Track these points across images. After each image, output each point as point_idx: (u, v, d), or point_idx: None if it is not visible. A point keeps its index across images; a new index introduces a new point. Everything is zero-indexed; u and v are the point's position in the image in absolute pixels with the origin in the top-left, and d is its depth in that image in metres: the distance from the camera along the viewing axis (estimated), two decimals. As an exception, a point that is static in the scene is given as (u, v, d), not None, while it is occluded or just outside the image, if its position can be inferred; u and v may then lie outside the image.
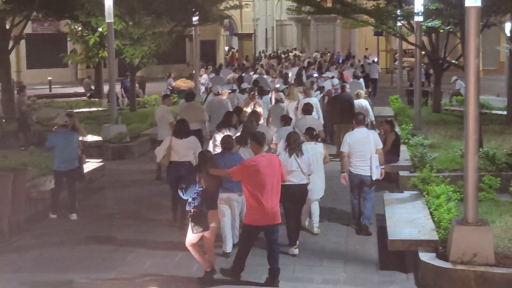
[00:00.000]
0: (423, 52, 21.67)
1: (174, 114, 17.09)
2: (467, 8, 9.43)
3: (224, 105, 17.90)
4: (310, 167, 11.26)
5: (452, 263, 9.37)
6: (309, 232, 12.09)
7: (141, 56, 25.06)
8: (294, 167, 11.05)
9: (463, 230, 9.45)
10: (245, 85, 21.31)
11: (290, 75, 27.60)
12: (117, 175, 17.37)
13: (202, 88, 29.10)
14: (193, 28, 31.11)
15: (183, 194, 9.67)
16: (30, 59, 44.97)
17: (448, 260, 9.44)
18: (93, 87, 34.53)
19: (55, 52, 35.60)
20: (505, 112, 23.32)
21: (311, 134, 12.17)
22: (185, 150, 12.34)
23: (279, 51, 58.29)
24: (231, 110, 15.91)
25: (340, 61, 42.50)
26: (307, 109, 15.52)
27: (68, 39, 29.70)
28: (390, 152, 15.07)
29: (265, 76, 27.24)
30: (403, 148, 16.43)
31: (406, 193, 13.29)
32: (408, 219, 11.31)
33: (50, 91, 38.55)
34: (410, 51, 43.96)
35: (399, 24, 25.30)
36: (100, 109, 28.31)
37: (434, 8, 18.07)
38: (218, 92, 18.74)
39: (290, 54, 52.90)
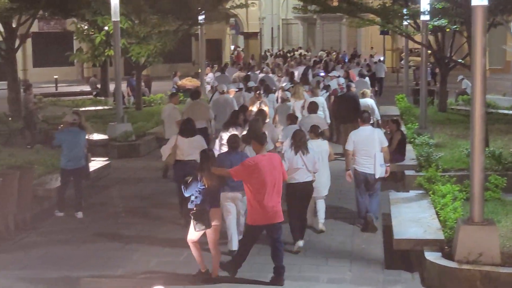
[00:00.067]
0: (429, 51, 21.64)
1: (181, 112, 17.09)
2: (474, 7, 9.41)
3: (229, 103, 17.91)
4: (315, 164, 11.31)
5: (457, 262, 9.36)
6: (314, 231, 12.08)
7: (147, 54, 25.08)
8: (299, 165, 11.12)
9: (469, 229, 9.44)
10: (251, 84, 21.31)
11: (296, 74, 27.59)
12: (123, 173, 17.40)
13: (208, 87, 29.10)
14: (199, 27, 31.14)
15: (184, 191, 9.72)
16: (36, 57, 45.06)
17: (454, 259, 9.42)
18: (99, 86, 34.58)
19: (61, 50, 35.68)
20: (511, 112, 23.28)
21: (316, 131, 12.24)
22: (191, 149, 12.35)
23: (284, 50, 58.25)
24: (237, 108, 15.91)
25: (346, 60, 42.48)
26: (312, 108, 15.55)
27: (74, 37, 29.67)
28: (396, 152, 15.08)
29: (271, 75, 27.23)
30: (409, 147, 16.41)
31: (412, 193, 13.29)
32: (414, 218, 11.30)
33: (56, 89, 38.64)
34: (416, 50, 43.87)
35: (405, 23, 25.24)
36: (106, 107, 28.34)
37: (440, 7, 18.06)
38: (223, 90, 18.75)
39: (296, 53, 52.88)
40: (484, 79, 9.45)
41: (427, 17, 18.75)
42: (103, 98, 31.92)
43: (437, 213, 11.33)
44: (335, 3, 23.78)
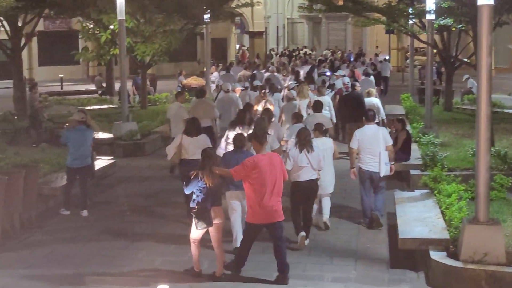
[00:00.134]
0: (434, 51, 21.60)
1: (187, 111, 17.10)
2: (480, 6, 9.40)
3: (234, 102, 17.92)
4: (320, 162, 11.36)
5: (463, 262, 9.35)
6: (319, 229, 12.09)
7: (152, 53, 25.12)
8: (304, 163, 11.16)
9: (474, 229, 9.42)
10: (256, 83, 21.33)
11: (301, 73, 27.58)
12: (128, 172, 17.42)
13: (213, 86, 29.12)
14: (204, 26, 31.14)
15: (184, 188, 9.74)
16: (42, 56, 45.15)
17: (459, 259, 9.41)
18: (104, 85, 34.64)
19: (66, 49, 35.76)
20: (517, 111, 23.25)
21: (320, 129, 12.32)
22: (196, 148, 12.33)
23: (289, 49, 58.21)
24: (242, 107, 15.92)
25: (352, 59, 42.44)
26: (317, 107, 15.58)
27: (80, 36, 29.78)
28: (401, 151, 15.07)
29: (276, 74, 27.24)
30: (414, 146, 16.38)
31: (417, 192, 13.27)
32: (419, 217, 11.29)
33: (62, 88, 38.71)
34: (421, 50, 43.83)
35: (410, 22, 25.23)
36: (111, 106, 28.37)
37: (446, 6, 18.02)
38: (228, 89, 18.75)
39: (301, 52, 52.85)
40: (490, 79, 9.43)
41: (432, 16, 18.72)
42: (108, 97, 31.97)
43: (442, 213, 11.31)
44: (341, 2, 23.78)
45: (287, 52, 53.43)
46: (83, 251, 11.32)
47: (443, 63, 26.92)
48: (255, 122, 13.03)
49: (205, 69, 32.63)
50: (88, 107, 26.51)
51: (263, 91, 18.20)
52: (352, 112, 18.13)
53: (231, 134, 12.36)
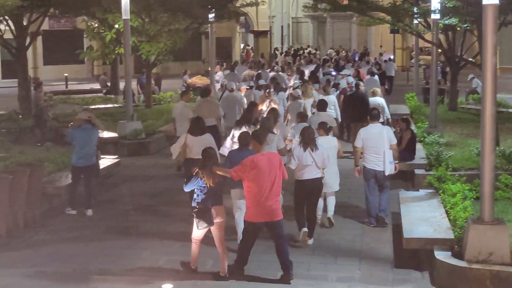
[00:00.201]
0: (439, 50, 21.57)
1: (192, 110, 17.10)
2: (485, 6, 9.38)
3: (238, 101, 17.91)
4: (324, 161, 11.39)
5: (467, 262, 9.32)
6: (323, 229, 12.08)
7: (157, 53, 25.13)
8: (308, 162, 11.18)
9: (479, 229, 9.40)
10: (261, 82, 21.32)
11: (306, 72, 27.56)
12: (133, 171, 17.42)
13: (218, 85, 29.12)
14: (209, 25, 31.15)
15: (184, 186, 9.75)
16: (46, 55, 45.23)
17: (464, 259, 9.39)
18: (109, 84, 34.67)
19: (71, 48, 35.77)
20: (522, 111, 23.20)
21: (324, 128, 12.38)
22: (200, 147, 12.25)
23: (293, 49, 58.18)
24: (246, 106, 15.92)
25: (356, 59, 42.41)
26: (321, 106, 15.58)
27: (85, 35, 29.81)
28: (406, 150, 15.06)
29: (281, 73, 27.22)
30: (418, 146, 16.37)
31: (422, 192, 13.26)
32: (424, 217, 11.27)
33: (67, 87, 38.76)
34: (426, 49, 43.82)
35: (415, 21, 25.19)
36: (116, 105, 28.41)
37: (451, 6, 17.99)
38: (233, 88, 18.75)
39: (305, 51, 52.84)
40: (495, 78, 9.41)
41: (437, 16, 18.70)
42: (113, 96, 32.01)
43: (447, 212, 11.29)
44: (346, 2, 23.77)
45: (291, 52, 53.42)
46: (87, 250, 11.32)
47: (448, 62, 26.89)
48: (260, 121, 13.03)
49: (209, 68, 32.64)
50: (93, 106, 26.57)
51: (267, 91, 18.19)
52: (356, 111, 18.12)
53: (237, 133, 12.36)
